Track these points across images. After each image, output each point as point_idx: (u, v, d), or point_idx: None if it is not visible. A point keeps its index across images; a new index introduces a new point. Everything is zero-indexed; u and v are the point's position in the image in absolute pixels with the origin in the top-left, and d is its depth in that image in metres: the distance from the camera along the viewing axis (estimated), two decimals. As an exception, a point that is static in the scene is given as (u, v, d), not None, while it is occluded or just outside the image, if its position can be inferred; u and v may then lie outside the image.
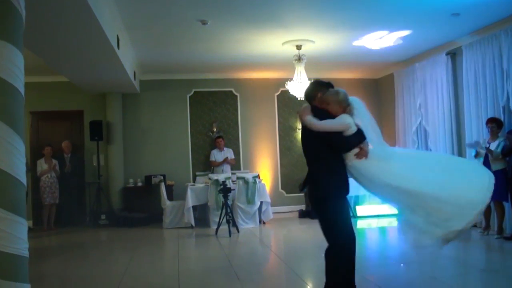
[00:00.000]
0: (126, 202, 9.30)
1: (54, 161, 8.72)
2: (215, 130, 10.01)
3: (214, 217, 7.91)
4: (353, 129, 3.35)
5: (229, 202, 7.71)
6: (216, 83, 10.04)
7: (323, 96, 3.49)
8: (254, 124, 10.21)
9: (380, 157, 3.38)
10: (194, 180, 9.43)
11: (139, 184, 9.38)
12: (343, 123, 3.34)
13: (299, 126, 10.03)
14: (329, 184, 3.37)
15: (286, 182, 10.17)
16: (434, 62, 8.27)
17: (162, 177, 8.58)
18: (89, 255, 6.40)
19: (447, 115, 7.94)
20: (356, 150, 3.35)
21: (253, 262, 5.65)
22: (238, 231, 7.55)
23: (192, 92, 9.99)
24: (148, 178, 9.24)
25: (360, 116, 3.42)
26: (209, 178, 8.24)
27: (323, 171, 3.40)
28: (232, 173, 8.90)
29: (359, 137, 3.36)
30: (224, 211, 7.48)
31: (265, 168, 10.10)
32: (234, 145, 10.03)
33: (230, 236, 7.20)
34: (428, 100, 8.56)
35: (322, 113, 3.39)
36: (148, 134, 9.78)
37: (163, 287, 4.57)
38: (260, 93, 10.18)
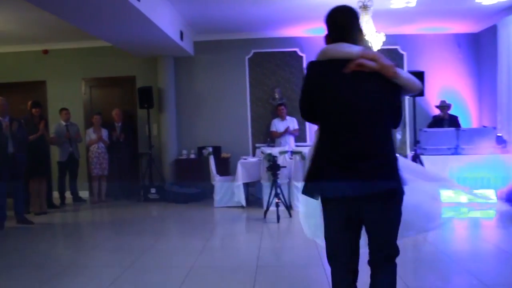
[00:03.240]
0: (177, 175, 8.59)
1: (103, 131, 8.22)
2: (277, 96, 8.85)
3: (267, 197, 6.87)
4: None
5: (281, 181, 6.60)
6: (279, 42, 8.79)
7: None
8: (323, 89, 8.81)
9: None
10: (254, 153, 8.44)
11: (192, 156, 8.62)
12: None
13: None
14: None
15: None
16: (555, 5, 6.24)
17: (211, 149, 7.66)
18: (96, 236, 5.82)
19: None
20: None
21: (287, 264, 4.46)
22: (291, 216, 6.43)
23: (251, 54, 8.86)
24: (201, 150, 8.41)
25: None
26: (262, 152, 7.16)
27: (393, 149, 2.23)
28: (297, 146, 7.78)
29: None
30: (274, 191, 6.42)
31: (334, 140, 8.72)
32: (299, 113, 8.74)
33: (278, 221, 6.14)
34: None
35: None
36: (203, 101, 8.91)
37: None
38: (329, 53, 8.72)
